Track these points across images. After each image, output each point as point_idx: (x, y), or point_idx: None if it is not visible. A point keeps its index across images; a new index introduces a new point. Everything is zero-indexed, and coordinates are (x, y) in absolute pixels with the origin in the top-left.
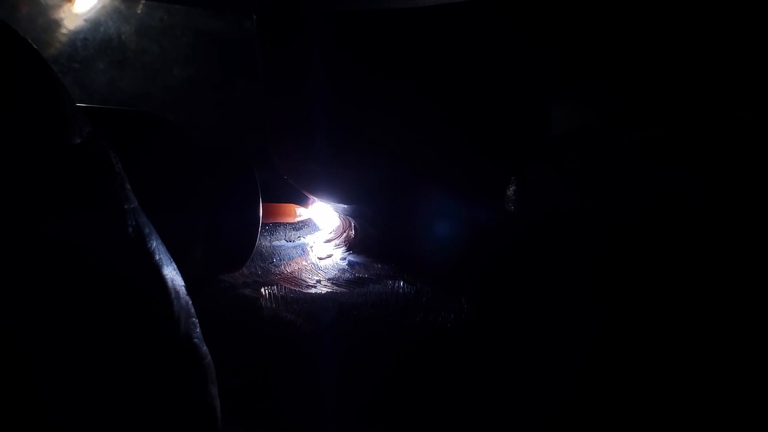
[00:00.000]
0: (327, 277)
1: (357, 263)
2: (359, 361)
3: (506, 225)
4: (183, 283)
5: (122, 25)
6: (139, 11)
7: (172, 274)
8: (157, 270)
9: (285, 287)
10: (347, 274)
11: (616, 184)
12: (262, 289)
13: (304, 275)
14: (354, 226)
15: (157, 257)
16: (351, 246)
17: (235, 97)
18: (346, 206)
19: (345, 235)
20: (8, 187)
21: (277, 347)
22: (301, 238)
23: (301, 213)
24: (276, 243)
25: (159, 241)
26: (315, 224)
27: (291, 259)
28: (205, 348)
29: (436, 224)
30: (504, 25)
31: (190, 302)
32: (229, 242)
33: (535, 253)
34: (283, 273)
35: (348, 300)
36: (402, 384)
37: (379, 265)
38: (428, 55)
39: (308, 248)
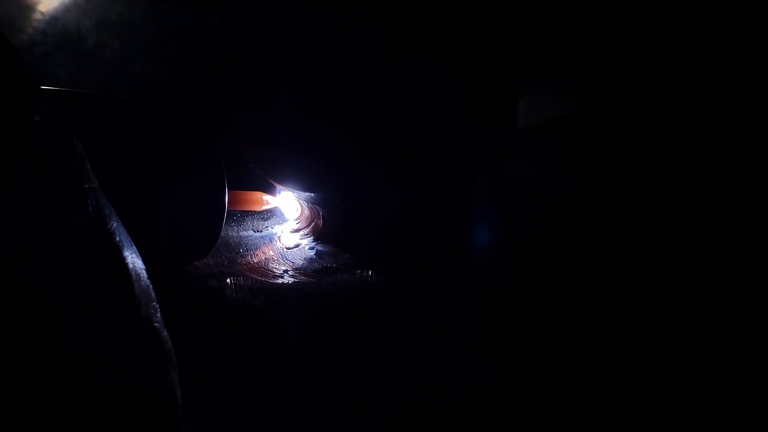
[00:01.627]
0: (294, 267)
1: (325, 253)
2: (326, 351)
3: (471, 212)
4: (144, 267)
5: (81, 19)
6: (98, 5)
7: (132, 256)
8: (117, 251)
9: (251, 277)
10: (315, 264)
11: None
12: (228, 280)
13: (271, 265)
14: (322, 215)
15: (117, 238)
16: (319, 236)
17: (197, 92)
18: (313, 195)
19: (313, 224)
20: None
21: (243, 338)
22: (269, 228)
23: (269, 201)
24: (243, 233)
25: (119, 223)
26: (283, 214)
27: (258, 248)
28: (165, 333)
29: (402, 213)
30: None
31: (151, 287)
32: (193, 229)
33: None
34: (249, 263)
35: (315, 290)
36: (368, 371)
37: (348, 255)
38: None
39: (276, 238)
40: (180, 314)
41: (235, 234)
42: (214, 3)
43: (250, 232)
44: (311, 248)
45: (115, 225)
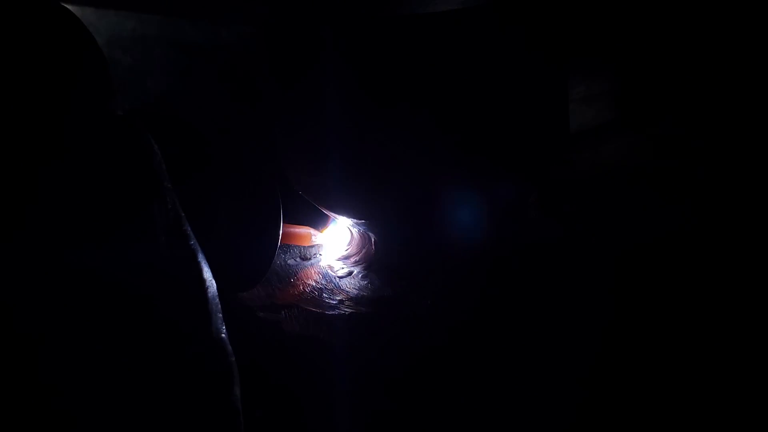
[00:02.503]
0: (349, 297)
1: (379, 281)
2: (390, 381)
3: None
4: (212, 278)
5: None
6: (110, 21)
7: (204, 263)
8: (193, 254)
9: (306, 309)
10: (370, 293)
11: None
12: (282, 312)
13: (325, 295)
14: (374, 241)
15: (192, 241)
16: (371, 262)
17: (214, 108)
18: (363, 222)
19: (364, 251)
20: (65, 140)
21: (301, 372)
22: (317, 255)
23: (316, 238)
24: (291, 261)
25: (189, 227)
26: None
27: (309, 277)
28: (230, 348)
29: (459, 240)
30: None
31: (217, 297)
32: (245, 260)
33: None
34: (302, 293)
35: (373, 321)
36: (433, 402)
37: (403, 283)
38: (440, 63)
39: (326, 266)
40: (234, 348)
41: (282, 262)
42: (230, 16)
43: (298, 260)
44: (364, 276)
45: (189, 229)
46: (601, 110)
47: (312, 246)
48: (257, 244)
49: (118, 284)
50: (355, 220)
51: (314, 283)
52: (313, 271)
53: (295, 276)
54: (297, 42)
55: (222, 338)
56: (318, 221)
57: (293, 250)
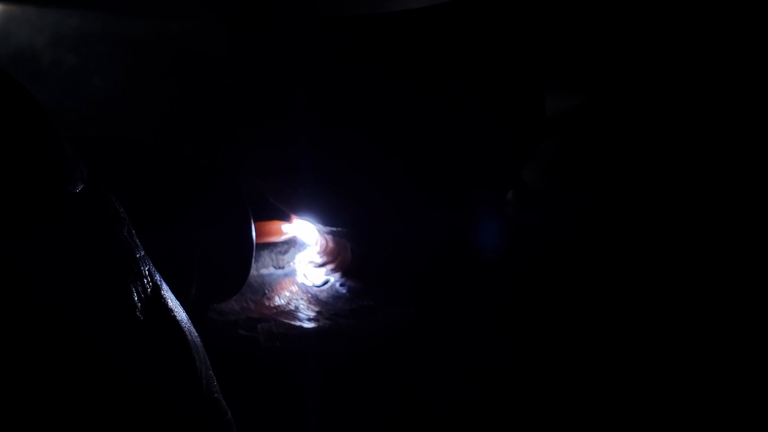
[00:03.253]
0: (327, 309)
1: (358, 289)
2: (375, 397)
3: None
4: (196, 333)
5: (34, 36)
6: (52, 20)
7: (189, 326)
8: (176, 324)
9: (284, 323)
10: (349, 304)
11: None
12: (259, 326)
13: (302, 308)
14: (350, 248)
15: (174, 309)
16: (348, 270)
17: (162, 106)
18: (339, 229)
19: (340, 258)
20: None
21: (283, 388)
22: (291, 263)
23: (287, 230)
24: (264, 271)
25: (167, 285)
26: (301, 245)
27: (284, 289)
28: (224, 404)
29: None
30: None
31: (206, 356)
32: (223, 268)
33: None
34: (278, 306)
35: (355, 333)
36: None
37: (382, 290)
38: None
39: (301, 275)
40: (214, 368)
41: (255, 273)
42: (177, 10)
43: (272, 270)
44: (342, 284)
45: (167, 293)
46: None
47: (284, 251)
48: (233, 249)
49: (104, 369)
50: (331, 228)
51: (290, 294)
52: (287, 282)
53: (270, 287)
54: (261, 31)
55: (215, 398)
56: (285, 215)
57: (265, 259)
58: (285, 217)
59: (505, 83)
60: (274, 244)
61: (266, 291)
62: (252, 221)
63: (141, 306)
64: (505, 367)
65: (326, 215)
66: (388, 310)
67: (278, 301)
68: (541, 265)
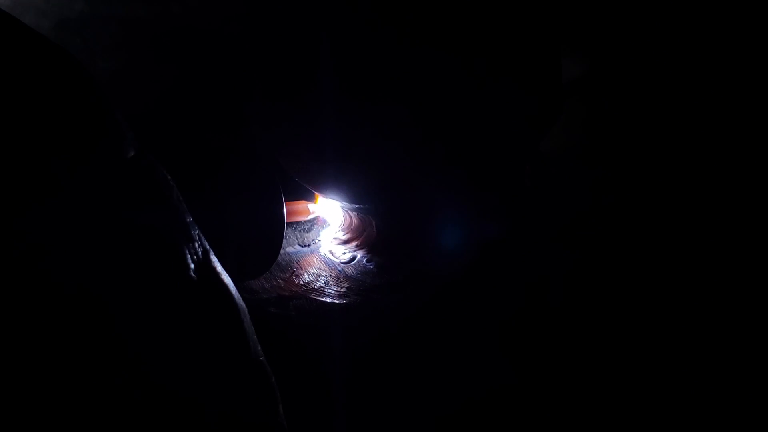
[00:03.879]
0: (357, 285)
1: (384, 265)
2: (409, 371)
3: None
4: (241, 298)
5: (40, 20)
6: (57, 3)
7: (236, 291)
8: (226, 288)
9: (315, 300)
10: (377, 279)
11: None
12: (291, 304)
13: (332, 285)
14: (375, 225)
15: (223, 274)
16: (373, 246)
17: (167, 87)
18: (363, 206)
19: (365, 234)
20: (79, 202)
21: (318, 366)
22: (316, 241)
23: (313, 210)
24: (290, 249)
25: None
26: (323, 222)
27: (311, 266)
28: (269, 367)
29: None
30: None
31: (250, 318)
32: (256, 245)
33: None
34: (308, 283)
35: (386, 308)
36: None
37: (408, 266)
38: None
39: (327, 252)
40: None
41: (282, 251)
42: None
43: (297, 248)
44: (369, 261)
45: (215, 258)
46: None
47: (308, 228)
48: (265, 226)
49: (160, 328)
50: (356, 205)
51: (317, 271)
52: (314, 259)
53: (297, 265)
54: (293, 35)
55: (261, 361)
56: (310, 194)
57: (291, 237)
58: (307, 195)
59: (527, 50)
60: (298, 223)
61: (294, 269)
62: (283, 199)
63: (194, 267)
64: (534, 341)
65: (352, 193)
66: (417, 285)
67: (307, 278)
68: (561, 240)
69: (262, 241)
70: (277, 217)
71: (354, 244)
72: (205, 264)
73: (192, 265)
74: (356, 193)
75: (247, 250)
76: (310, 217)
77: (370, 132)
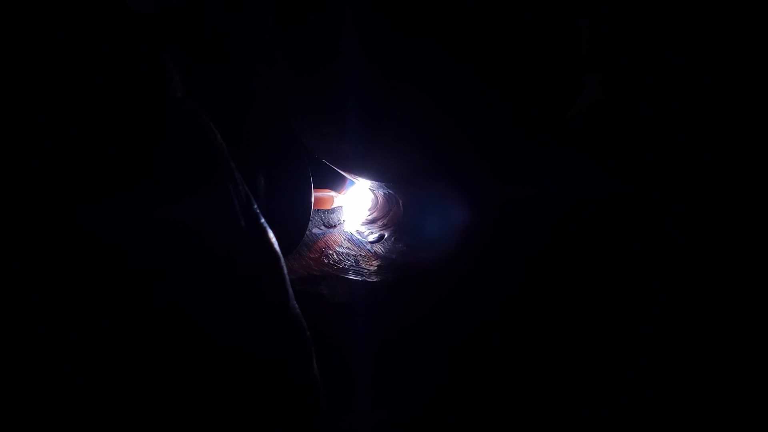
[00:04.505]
0: (388, 262)
1: (413, 243)
2: (449, 350)
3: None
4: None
5: None
6: None
7: (274, 237)
8: (266, 232)
9: (346, 278)
10: (408, 257)
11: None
12: (323, 283)
13: (362, 263)
14: (402, 203)
15: (261, 219)
16: (400, 224)
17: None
18: (386, 184)
19: (392, 214)
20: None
21: (352, 348)
22: (341, 221)
23: (337, 200)
24: (316, 230)
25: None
26: (344, 207)
27: (340, 245)
28: (305, 322)
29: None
30: None
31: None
32: (285, 225)
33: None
34: (337, 263)
35: (421, 285)
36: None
37: (438, 243)
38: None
39: (353, 232)
40: None
41: (308, 232)
42: None
43: (324, 229)
44: (397, 239)
45: (256, 207)
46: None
47: (333, 209)
48: (296, 207)
49: (207, 264)
50: (380, 183)
51: (346, 251)
52: (341, 238)
53: (325, 244)
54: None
55: (299, 314)
56: (335, 184)
57: (316, 218)
58: (332, 185)
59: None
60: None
61: (322, 248)
62: (312, 186)
63: (240, 210)
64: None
65: (374, 170)
66: (449, 262)
67: (336, 257)
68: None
69: (291, 217)
70: (305, 198)
71: (380, 223)
72: (248, 207)
73: (238, 207)
74: (383, 172)
75: (276, 225)
76: (333, 206)
77: (400, 111)
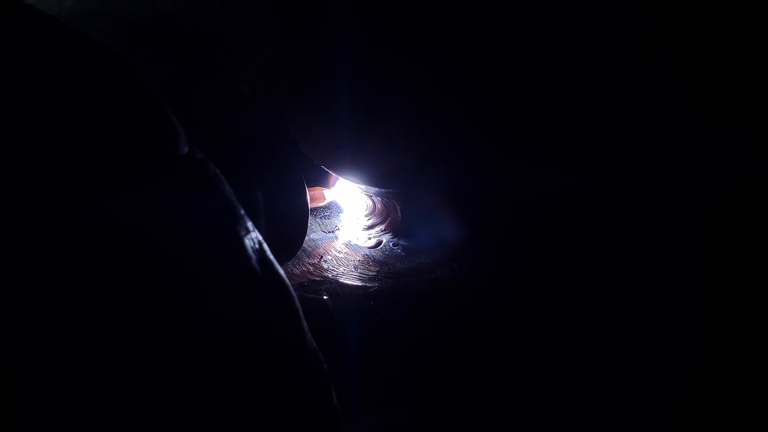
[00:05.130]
0: (387, 268)
1: (412, 249)
2: (446, 351)
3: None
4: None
5: None
6: (47, 2)
7: (287, 278)
8: (282, 278)
9: (347, 285)
10: (407, 263)
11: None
12: (323, 288)
13: (362, 269)
14: (400, 209)
15: (276, 263)
16: (398, 230)
17: (157, 83)
18: (383, 188)
19: (389, 219)
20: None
21: (352, 353)
22: (338, 226)
23: (327, 195)
24: (314, 236)
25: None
26: (336, 207)
27: (339, 251)
28: (321, 355)
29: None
30: None
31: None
32: (284, 231)
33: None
34: (336, 268)
35: (419, 290)
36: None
37: (437, 249)
38: None
39: (352, 237)
40: None
41: (306, 238)
42: None
43: (321, 234)
44: (395, 245)
45: (267, 248)
46: None
47: (328, 215)
48: (294, 214)
49: (228, 318)
50: (377, 185)
51: (344, 256)
52: (340, 244)
53: (324, 250)
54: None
55: (315, 348)
56: (324, 179)
57: (314, 224)
58: (321, 181)
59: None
60: (317, 209)
61: (320, 254)
62: (305, 186)
63: (255, 258)
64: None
65: (377, 179)
66: (448, 267)
67: (335, 263)
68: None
69: (291, 225)
70: (302, 203)
71: (378, 228)
72: (261, 253)
73: (253, 256)
74: (380, 179)
75: (276, 234)
76: (326, 202)
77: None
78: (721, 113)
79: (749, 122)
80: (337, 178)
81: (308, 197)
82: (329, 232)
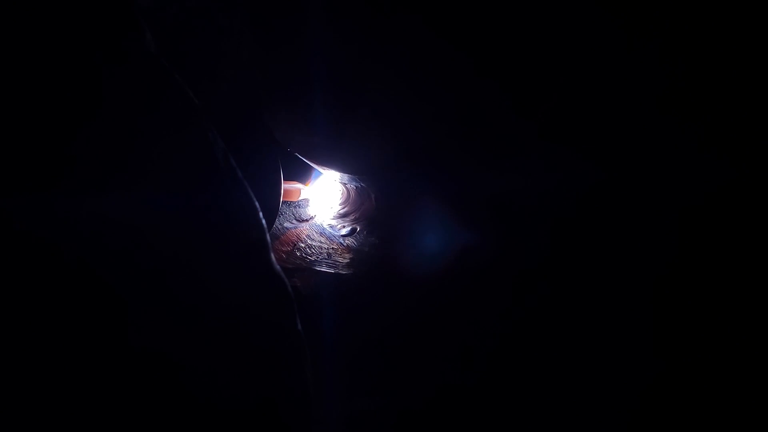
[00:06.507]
0: (360, 255)
1: (385, 236)
2: (423, 338)
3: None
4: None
5: None
6: None
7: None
8: (247, 191)
9: (321, 272)
10: (380, 250)
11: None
12: (296, 276)
13: (334, 256)
14: (374, 198)
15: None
16: (372, 218)
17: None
18: (358, 176)
19: (363, 208)
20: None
21: (327, 340)
22: (311, 215)
23: (303, 191)
24: (287, 224)
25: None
26: (311, 200)
27: (312, 239)
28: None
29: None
30: None
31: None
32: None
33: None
34: (310, 256)
35: (393, 277)
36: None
37: (410, 236)
38: None
39: (326, 225)
40: None
41: (279, 226)
42: None
43: (294, 222)
44: (369, 232)
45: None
46: None
47: (303, 204)
48: (265, 196)
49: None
50: (353, 175)
51: (318, 244)
52: (313, 232)
53: (297, 237)
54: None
55: (299, 331)
56: (302, 176)
57: (287, 212)
58: (299, 178)
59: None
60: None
61: (294, 241)
62: (281, 175)
63: (220, 156)
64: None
65: (338, 163)
66: (421, 255)
67: (309, 251)
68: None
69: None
70: (275, 185)
71: (353, 217)
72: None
73: (219, 156)
74: (353, 165)
75: None
76: (300, 198)
77: (369, 79)
78: (676, 117)
79: (703, 126)
80: (316, 176)
81: (282, 185)
82: (303, 220)
